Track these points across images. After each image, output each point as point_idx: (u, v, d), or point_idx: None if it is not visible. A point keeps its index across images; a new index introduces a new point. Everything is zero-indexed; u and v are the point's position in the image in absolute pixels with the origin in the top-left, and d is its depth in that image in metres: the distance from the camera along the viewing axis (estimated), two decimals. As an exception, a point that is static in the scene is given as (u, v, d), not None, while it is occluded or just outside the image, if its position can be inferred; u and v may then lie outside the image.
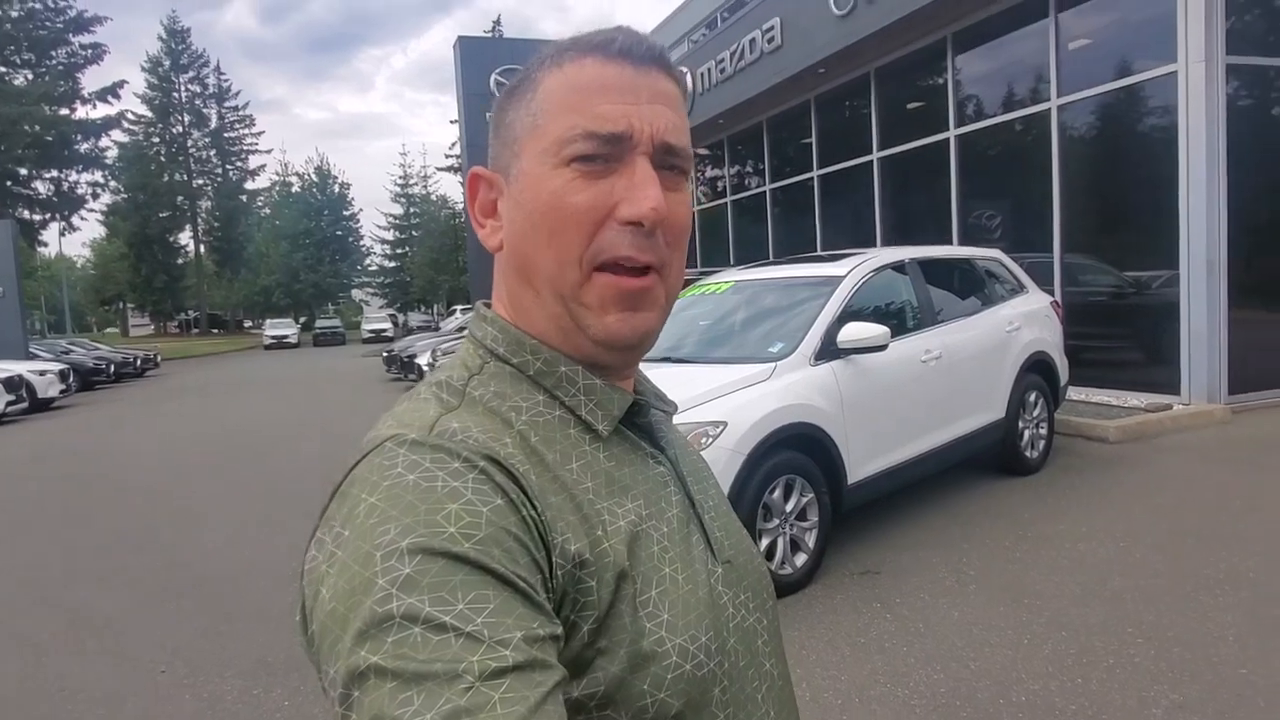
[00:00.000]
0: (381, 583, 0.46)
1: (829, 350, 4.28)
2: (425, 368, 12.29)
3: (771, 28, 11.56)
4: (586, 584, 0.54)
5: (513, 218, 0.64)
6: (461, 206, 42.48)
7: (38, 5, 34.83)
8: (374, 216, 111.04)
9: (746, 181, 14.97)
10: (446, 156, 52.32)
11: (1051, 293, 7.44)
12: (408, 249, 60.09)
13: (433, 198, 61.49)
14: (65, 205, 35.47)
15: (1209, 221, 6.82)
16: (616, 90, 0.61)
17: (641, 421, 0.68)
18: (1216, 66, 6.77)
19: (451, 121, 48.09)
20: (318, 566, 0.51)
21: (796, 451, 3.93)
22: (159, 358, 27.23)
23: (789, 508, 3.91)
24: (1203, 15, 6.71)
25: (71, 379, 17.42)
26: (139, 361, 24.28)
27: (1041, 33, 8.34)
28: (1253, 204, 7.14)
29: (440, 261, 53.18)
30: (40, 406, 15.24)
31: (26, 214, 33.75)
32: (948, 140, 9.64)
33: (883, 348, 4.26)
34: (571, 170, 0.60)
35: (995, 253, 6.16)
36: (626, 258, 0.60)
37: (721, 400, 3.83)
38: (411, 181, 61.26)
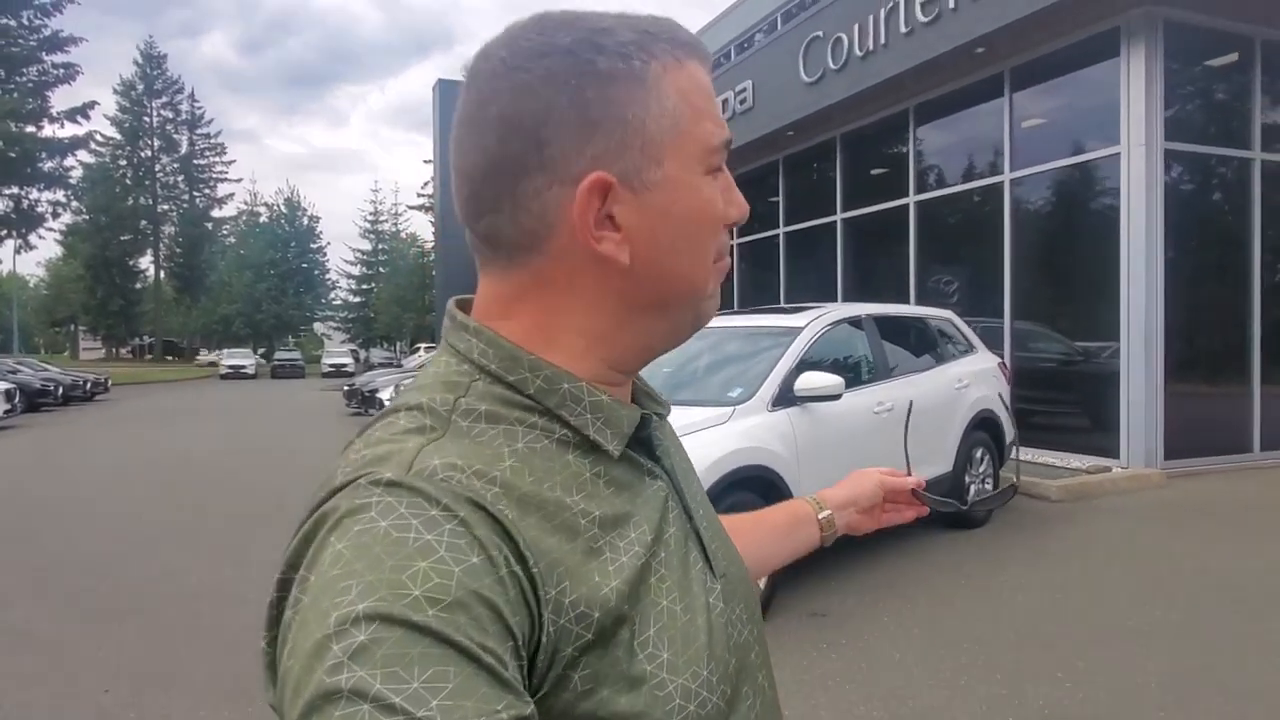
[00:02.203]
0: (335, 649, 0.42)
1: (786, 397, 4.45)
2: (387, 403, 12.23)
3: (744, 89, 12.02)
4: (583, 637, 0.50)
5: (653, 230, 0.58)
6: (431, 245, 42.53)
7: (11, 22, 34.62)
8: (342, 251, 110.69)
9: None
10: (419, 195, 52.64)
11: (1001, 356, 7.76)
12: (374, 285, 59.90)
13: (402, 235, 61.61)
14: (24, 223, 34.77)
15: (1148, 297, 7.21)
16: (716, 95, 0.62)
17: (643, 435, 0.62)
18: (1156, 151, 7.25)
19: (426, 161, 48.50)
20: (286, 612, 0.48)
21: (751, 493, 4.06)
22: (109, 382, 26.59)
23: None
24: (1143, 103, 7.20)
25: (17, 399, 16.96)
26: (88, 385, 23.68)
27: (997, 110, 8.83)
28: (1189, 283, 7.59)
29: (406, 299, 53.09)
30: (-17, 425, 14.83)
31: (-18, 229, 33.07)
32: (908, 206, 10.07)
33: (837, 397, 4.45)
34: (711, 178, 0.61)
35: (947, 313, 6.45)
36: (725, 249, 0.63)
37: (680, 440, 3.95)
38: (382, 218, 61.41)
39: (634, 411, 0.60)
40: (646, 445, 0.63)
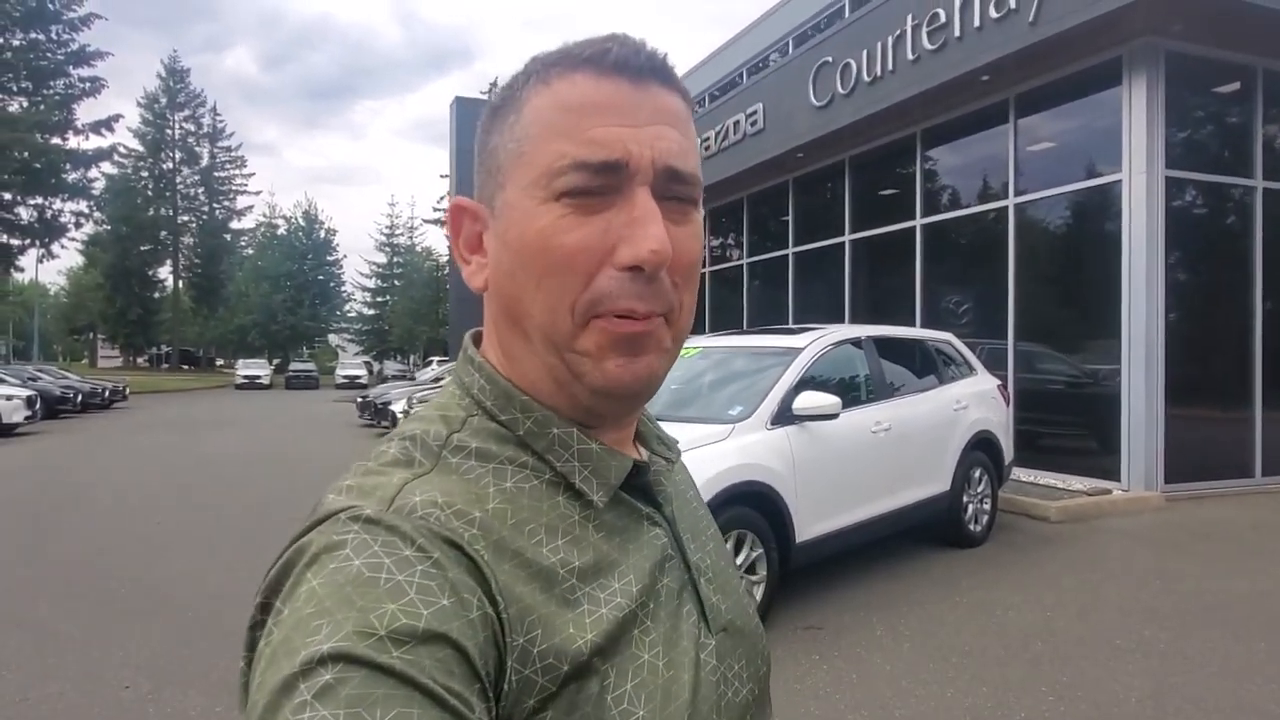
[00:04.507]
0: (301, 687, 0.42)
1: (785, 416, 4.58)
2: (400, 415, 12.44)
3: (755, 112, 12.22)
4: (547, 689, 0.49)
5: (499, 257, 0.58)
6: (445, 259, 43.03)
7: (40, 36, 35.41)
8: (357, 263, 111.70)
9: (728, 254, 15.52)
10: (434, 209, 53.19)
11: (1004, 378, 7.86)
12: (389, 298, 60.47)
13: (418, 249, 62.25)
14: (47, 232, 35.33)
15: (1148, 321, 7.31)
16: (612, 111, 0.54)
17: (640, 482, 0.62)
18: (1157, 178, 7.36)
19: (442, 176, 49.06)
20: (258, 642, 0.48)
21: (748, 508, 4.20)
22: (127, 390, 26.99)
23: (739, 561, 4.15)
24: (1145, 131, 7.33)
25: (38, 405, 17.28)
26: (106, 393, 24.06)
27: (1002, 135, 8.98)
28: (1190, 307, 7.69)
29: (420, 312, 53.55)
30: (4, 432, 15.13)
31: (6, 239, 33.64)
32: (914, 228, 10.20)
33: (834, 416, 4.58)
34: (562, 206, 0.54)
35: (947, 335, 6.58)
36: (627, 309, 0.54)
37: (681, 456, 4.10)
38: (398, 232, 62.10)
39: (624, 461, 0.59)
40: (646, 492, 0.62)
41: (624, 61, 0.55)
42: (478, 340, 0.64)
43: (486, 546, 0.51)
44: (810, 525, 4.53)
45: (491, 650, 0.48)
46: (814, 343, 5.17)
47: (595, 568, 0.55)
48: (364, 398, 17.51)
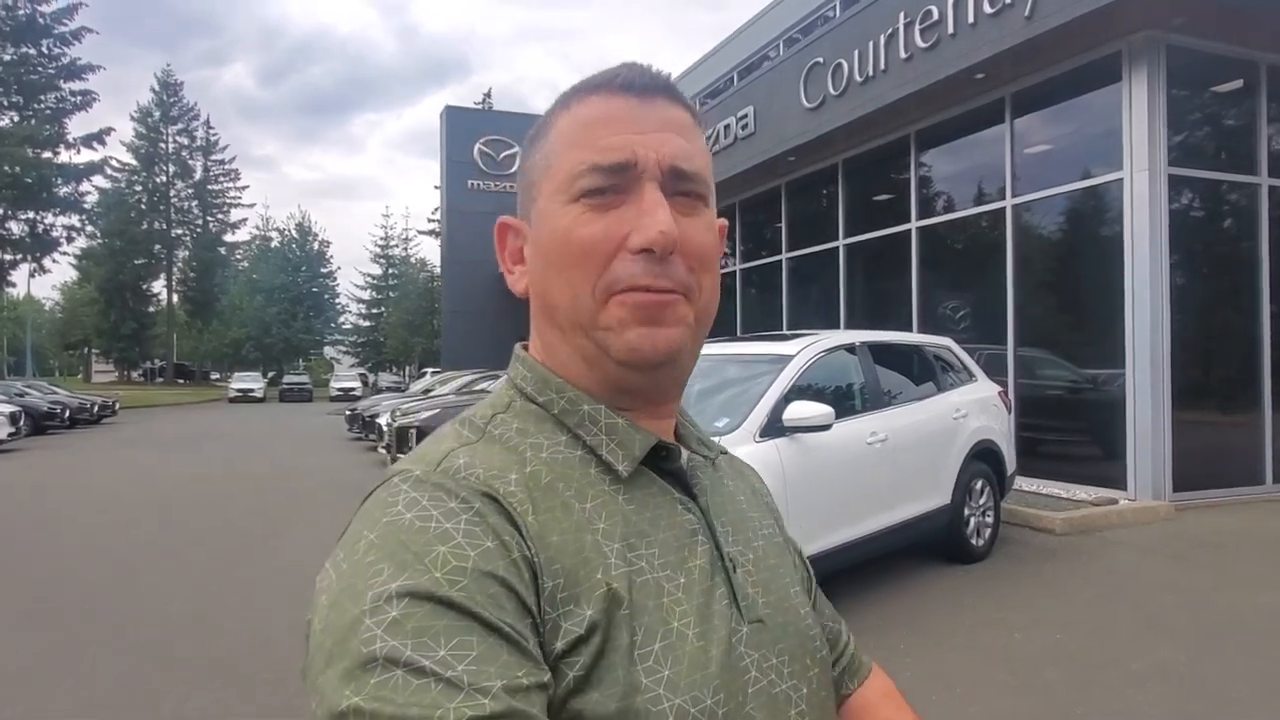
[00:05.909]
0: (369, 623, 0.47)
1: (774, 427, 4.32)
2: (384, 427, 12.16)
3: (745, 115, 12.00)
4: (573, 633, 0.52)
5: (534, 260, 0.65)
6: (439, 269, 42.82)
7: (31, 51, 35.24)
8: (353, 275, 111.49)
9: (721, 261, 15.28)
10: (429, 220, 52.96)
11: (1005, 384, 7.60)
12: (384, 309, 60.17)
13: (412, 260, 62.01)
14: (39, 247, 35.10)
15: (1153, 323, 7.06)
16: (621, 121, 0.61)
17: (671, 467, 0.65)
18: (1159, 176, 7.12)
19: (435, 187, 49.02)
20: (319, 592, 0.53)
21: (736, 526, 3.92)
22: (117, 405, 26.66)
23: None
24: (1146, 128, 7.09)
25: (22, 421, 16.99)
26: (95, 408, 23.74)
27: (998, 136, 8.74)
28: (1196, 309, 7.44)
29: (415, 323, 53.26)
30: (-14, 448, 14.85)
31: (-3, 253, 33.40)
32: (909, 231, 9.97)
33: (826, 427, 4.32)
34: (581, 205, 0.61)
35: (945, 340, 6.31)
36: (642, 286, 0.60)
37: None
38: (392, 243, 61.86)
39: (648, 436, 0.63)
40: (680, 479, 0.66)
41: (631, 82, 0.63)
42: (525, 348, 0.71)
43: (521, 500, 0.56)
44: (802, 544, 4.24)
45: (531, 590, 0.52)
46: (805, 350, 4.91)
47: (623, 532, 0.58)
48: (352, 410, 17.26)
